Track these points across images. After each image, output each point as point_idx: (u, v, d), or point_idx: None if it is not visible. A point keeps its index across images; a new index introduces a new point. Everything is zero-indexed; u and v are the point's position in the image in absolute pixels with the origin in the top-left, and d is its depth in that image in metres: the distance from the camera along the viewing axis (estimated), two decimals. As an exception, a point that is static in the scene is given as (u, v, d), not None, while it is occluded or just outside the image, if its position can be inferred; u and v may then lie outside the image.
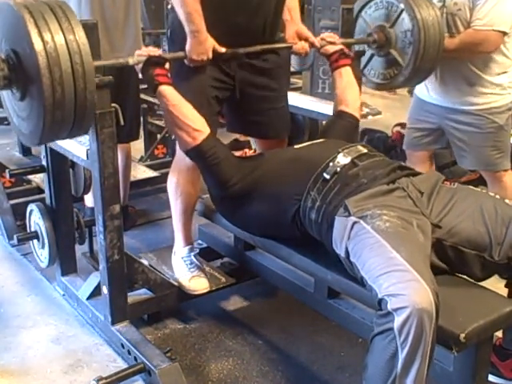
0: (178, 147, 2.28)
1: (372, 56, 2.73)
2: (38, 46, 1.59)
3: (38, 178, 3.48)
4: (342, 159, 1.97)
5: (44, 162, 2.50)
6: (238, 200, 2.10)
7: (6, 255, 3.11)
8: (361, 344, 2.33)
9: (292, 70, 3.30)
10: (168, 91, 2.07)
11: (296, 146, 2.24)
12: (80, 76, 1.66)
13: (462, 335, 1.55)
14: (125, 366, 2.21)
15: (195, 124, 2.07)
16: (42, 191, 3.10)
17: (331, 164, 1.96)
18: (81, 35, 1.66)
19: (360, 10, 2.72)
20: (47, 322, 2.54)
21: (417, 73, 2.60)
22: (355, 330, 2.08)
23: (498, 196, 1.90)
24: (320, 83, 3.15)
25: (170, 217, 2.50)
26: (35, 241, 2.63)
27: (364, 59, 2.74)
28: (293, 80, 3.58)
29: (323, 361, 2.31)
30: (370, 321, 1.90)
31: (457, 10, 2.60)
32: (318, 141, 2.24)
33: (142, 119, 3.94)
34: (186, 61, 2.17)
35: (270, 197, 2.04)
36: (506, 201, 1.87)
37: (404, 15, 2.53)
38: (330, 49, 2.44)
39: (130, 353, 2.21)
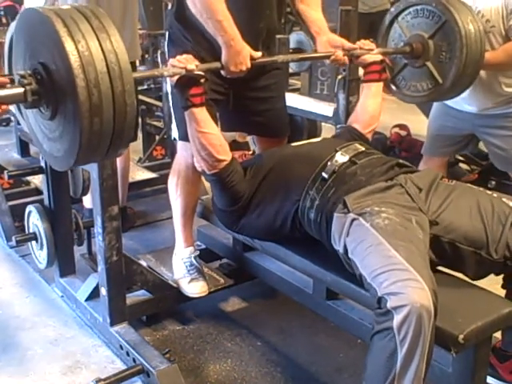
0: (178, 148, 2.28)
1: (405, 65, 2.53)
2: (68, 46, 1.43)
3: (37, 180, 3.48)
4: (340, 158, 1.98)
5: (43, 164, 2.50)
6: (242, 209, 2.09)
7: (5, 256, 3.11)
8: (359, 345, 2.33)
9: (290, 71, 3.30)
10: (200, 115, 1.97)
11: (293, 144, 2.24)
12: (117, 76, 1.47)
13: (461, 336, 1.55)
14: (123, 367, 2.21)
15: (219, 153, 2.02)
16: (40, 192, 3.10)
17: (329, 163, 1.96)
18: (113, 33, 1.50)
19: (397, 15, 2.54)
20: (46, 324, 2.53)
21: (452, 90, 2.44)
22: (354, 331, 2.08)
23: (495, 194, 1.91)
24: (319, 84, 3.14)
25: (169, 218, 2.50)
26: (34, 242, 2.63)
27: (396, 67, 2.57)
28: (291, 81, 3.58)
29: (322, 362, 2.31)
30: (369, 322, 1.90)
31: (490, 27, 2.52)
32: (316, 140, 2.24)
33: (140, 120, 3.95)
34: (222, 72, 2.03)
35: (270, 199, 2.03)
36: (504, 199, 1.87)
37: (446, 27, 2.34)
38: (369, 58, 2.27)
39: (128, 354, 2.21)
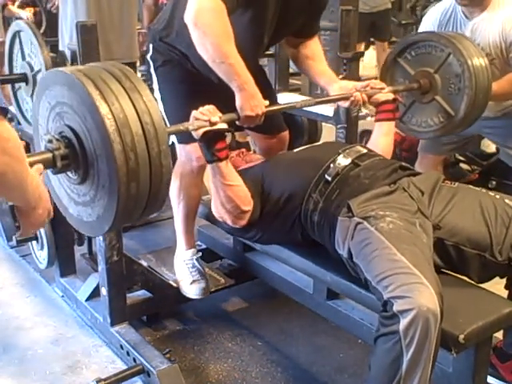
0: (178, 152, 2.27)
1: (413, 102, 2.51)
2: (103, 109, 1.34)
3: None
4: (343, 160, 1.97)
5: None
6: (255, 225, 2.08)
7: (5, 256, 3.11)
8: (360, 345, 2.33)
9: (291, 71, 3.30)
10: (226, 169, 1.93)
11: (295, 150, 2.23)
12: (152, 137, 1.39)
13: (461, 336, 1.55)
14: (124, 367, 2.21)
15: (245, 204, 1.99)
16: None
17: (332, 165, 1.96)
18: (146, 92, 1.43)
19: (399, 54, 2.52)
20: (46, 324, 2.53)
21: (465, 120, 2.41)
22: (354, 332, 2.08)
23: (498, 195, 1.90)
24: (319, 84, 3.14)
25: (169, 218, 2.50)
26: (34, 242, 2.63)
27: (403, 106, 2.53)
28: (292, 81, 3.58)
29: (322, 362, 2.31)
30: (369, 322, 1.90)
31: (491, 60, 2.49)
32: (317, 144, 2.24)
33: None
34: (238, 123, 1.96)
35: (277, 206, 2.02)
36: (506, 200, 1.87)
37: (451, 59, 2.33)
38: (381, 97, 2.23)
39: (129, 354, 2.21)
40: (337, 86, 2.24)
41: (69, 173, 1.48)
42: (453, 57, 2.33)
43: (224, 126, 1.86)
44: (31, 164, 1.33)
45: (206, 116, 1.81)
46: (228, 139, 1.99)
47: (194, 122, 1.82)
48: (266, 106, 1.96)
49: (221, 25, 1.86)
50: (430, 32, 2.63)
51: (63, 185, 1.57)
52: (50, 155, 1.41)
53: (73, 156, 1.43)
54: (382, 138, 2.24)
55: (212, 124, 1.81)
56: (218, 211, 2.05)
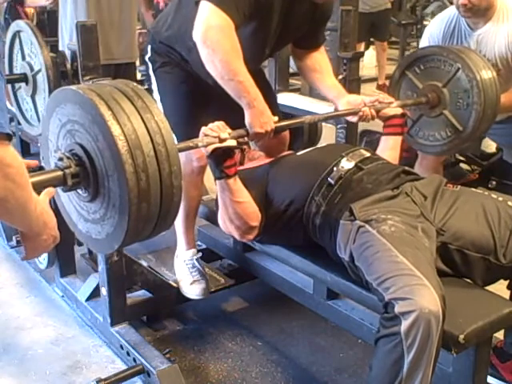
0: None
1: (420, 116, 2.52)
2: (115, 130, 1.34)
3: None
4: (346, 164, 1.97)
5: (43, 164, 2.49)
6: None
7: (5, 256, 3.11)
8: (360, 345, 2.33)
9: (291, 71, 3.30)
10: (234, 186, 1.92)
11: (298, 153, 2.22)
12: (164, 158, 1.39)
13: (461, 336, 1.54)
14: (124, 367, 2.21)
15: (253, 221, 1.99)
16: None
17: (335, 169, 1.95)
18: (157, 112, 1.42)
19: (407, 67, 2.52)
20: (46, 324, 2.53)
21: (474, 135, 2.42)
22: (354, 332, 2.08)
23: (500, 198, 1.90)
24: (319, 84, 3.14)
25: (169, 218, 2.49)
26: (34, 242, 2.62)
27: (410, 119, 2.54)
28: (292, 81, 3.58)
29: (322, 362, 2.31)
30: (369, 322, 1.90)
31: (497, 70, 2.48)
32: (320, 146, 2.24)
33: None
34: (247, 139, 1.97)
35: (277, 208, 2.01)
36: (509, 203, 1.87)
37: (460, 74, 2.33)
38: (390, 112, 2.22)
39: (129, 354, 2.21)
40: (345, 100, 2.23)
41: (79, 190, 1.47)
42: (462, 72, 2.32)
43: (233, 142, 1.85)
44: (42, 182, 1.35)
45: (216, 132, 1.80)
46: (237, 157, 1.99)
47: (203, 138, 1.81)
48: (275, 122, 1.96)
49: (229, 42, 1.86)
50: (438, 46, 2.62)
51: (72, 201, 1.56)
52: (60, 173, 1.40)
53: (83, 175, 1.42)
54: (388, 152, 2.22)
55: (221, 140, 1.80)
56: (225, 226, 2.05)
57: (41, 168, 1.52)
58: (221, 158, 1.85)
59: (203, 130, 1.83)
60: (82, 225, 1.56)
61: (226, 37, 1.86)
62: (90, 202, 1.47)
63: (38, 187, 1.32)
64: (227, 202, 1.96)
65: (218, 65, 1.87)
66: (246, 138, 1.97)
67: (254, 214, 1.99)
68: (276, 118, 1.99)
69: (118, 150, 1.33)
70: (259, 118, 1.92)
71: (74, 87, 1.45)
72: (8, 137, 1.01)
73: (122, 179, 1.35)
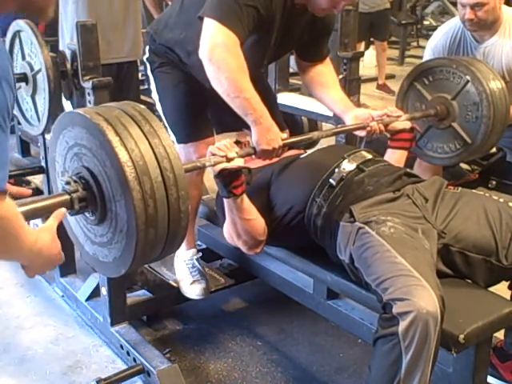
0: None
1: (429, 128, 2.51)
2: (122, 156, 1.33)
3: (37, 180, 3.48)
4: (348, 165, 1.96)
5: (43, 163, 2.50)
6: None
7: (5, 256, 3.11)
8: (359, 345, 2.33)
9: (291, 71, 3.30)
10: (242, 204, 1.91)
11: (302, 156, 2.19)
12: (172, 184, 1.39)
13: (461, 336, 1.55)
14: (124, 367, 2.21)
15: (260, 236, 2.00)
16: (40, 192, 3.10)
17: (337, 170, 1.95)
18: (165, 136, 1.41)
19: (415, 78, 2.51)
20: (46, 323, 2.53)
21: (483, 148, 2.42)
22: (354, 331, 2.08)
23: (501, 199, 1.90)
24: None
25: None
26: (34, 242, 2.62)
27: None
28: (292, 81, 3.58)
29: (322, 362, 2.31)
30: (369, 322, 1.90)
31: (506, 82, 2.46)
32: (323, 147, 2.23)
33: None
34: (254, 156, 1.97)
35: (278, 211, 2.01)
36: (510, 204, 1.87)
37: (469, 87, 2.32)
38: (398, 125, 2.18)
39: (129, 354, 2.21)
40: (352, 114, 2.19)
41: (86, 213, 1.47)
42: (471, 85, 2.31)
43: (241, 161, 1.84)
44: (49, 207, 1.37)
45: (223, 152, 1.78)
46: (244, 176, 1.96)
47: (210, 157, 1.79)
48: (283, 139, 1.95)
49: (235, 59, 1.86)
50: (448, 58, 2.60)
51: (79, 223, 1.56)
52: (67, 197, 1.41)
53: (90, 199, 1.43)
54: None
55: (229, 160, 1.79)
56: (232, 241, 2.05)
57: (38, 192, 1.52)
58: (228, 179, 1.84)
59: (210, 149, 1.81)
60: (89, 247, 1.56)
61: (232, 54, 1.85)
62: (97, 225, 1.47)
63: (46, 212, 1.35)
64: (235, 220, 1.95)
65: (224, 82, 1.86)
66: (253, 156, 1.97)
67: (262, 229, 1.99)
68: (285, 135, 1.97)
69: (125, 177, 1.33)
70: (265, 134, 1.90)
71: (81, 111, 1.45)
72: (3, 193, 1.05)
73: (130, 205, 1.35)
